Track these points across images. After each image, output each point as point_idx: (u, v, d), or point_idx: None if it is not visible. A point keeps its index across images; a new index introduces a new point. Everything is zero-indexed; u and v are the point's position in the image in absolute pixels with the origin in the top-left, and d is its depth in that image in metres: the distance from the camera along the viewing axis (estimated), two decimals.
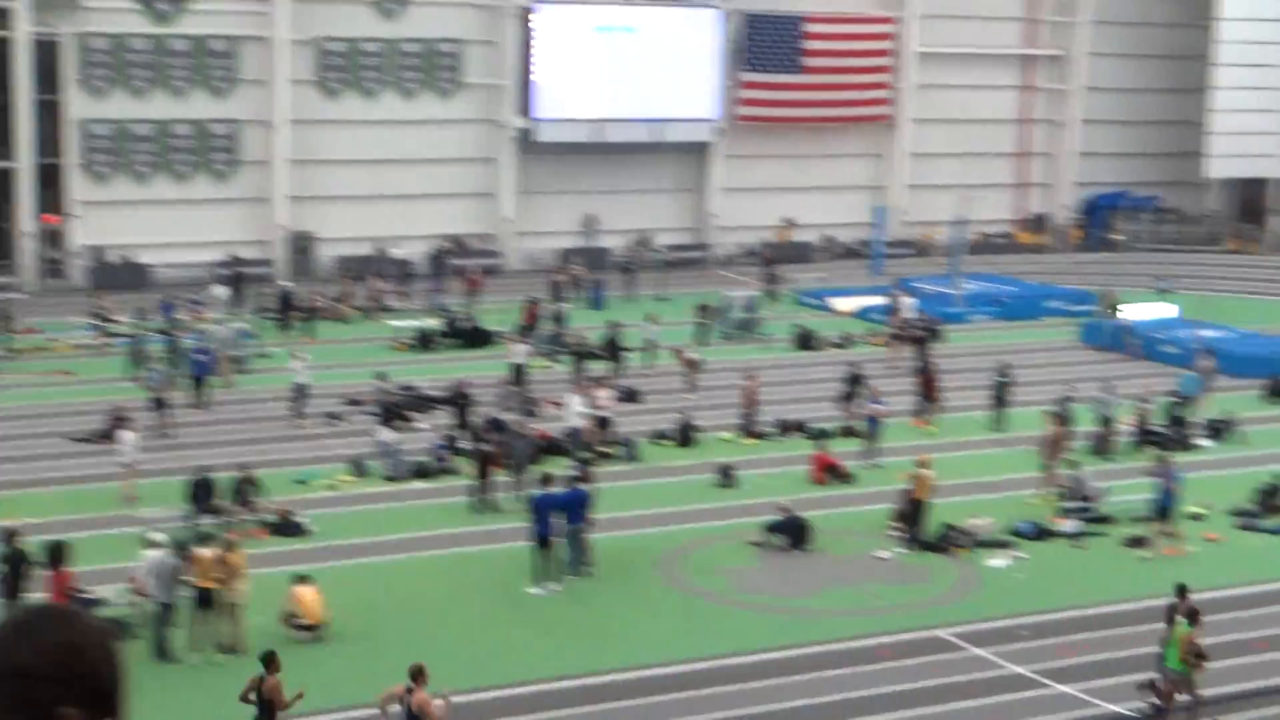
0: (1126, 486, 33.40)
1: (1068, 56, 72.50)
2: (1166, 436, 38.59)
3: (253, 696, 20.04)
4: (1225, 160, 71.53)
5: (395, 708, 19.62)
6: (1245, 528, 32.39)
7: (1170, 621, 22.94)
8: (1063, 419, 36.35)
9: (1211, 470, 36.60)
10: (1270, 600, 28.01)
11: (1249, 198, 75.78)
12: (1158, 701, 22.26)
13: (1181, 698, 22.44)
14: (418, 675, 19.59)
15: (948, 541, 30.57)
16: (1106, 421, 37.83)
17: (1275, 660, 24.84)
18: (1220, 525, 32.42)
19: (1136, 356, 48.18)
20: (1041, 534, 31.37)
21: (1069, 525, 31.80)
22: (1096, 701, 23.16)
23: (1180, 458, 37.22)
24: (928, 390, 40.25)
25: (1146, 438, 38.16)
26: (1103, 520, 32.18)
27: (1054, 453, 34.19)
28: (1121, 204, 69.24)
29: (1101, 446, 37.39)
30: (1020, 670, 24.43)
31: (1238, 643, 25.71)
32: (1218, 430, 39.45)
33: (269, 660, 20.27)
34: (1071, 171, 73.43)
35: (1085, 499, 32.66)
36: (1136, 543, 30.69)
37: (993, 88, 72.00)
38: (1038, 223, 73.51)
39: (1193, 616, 22.64)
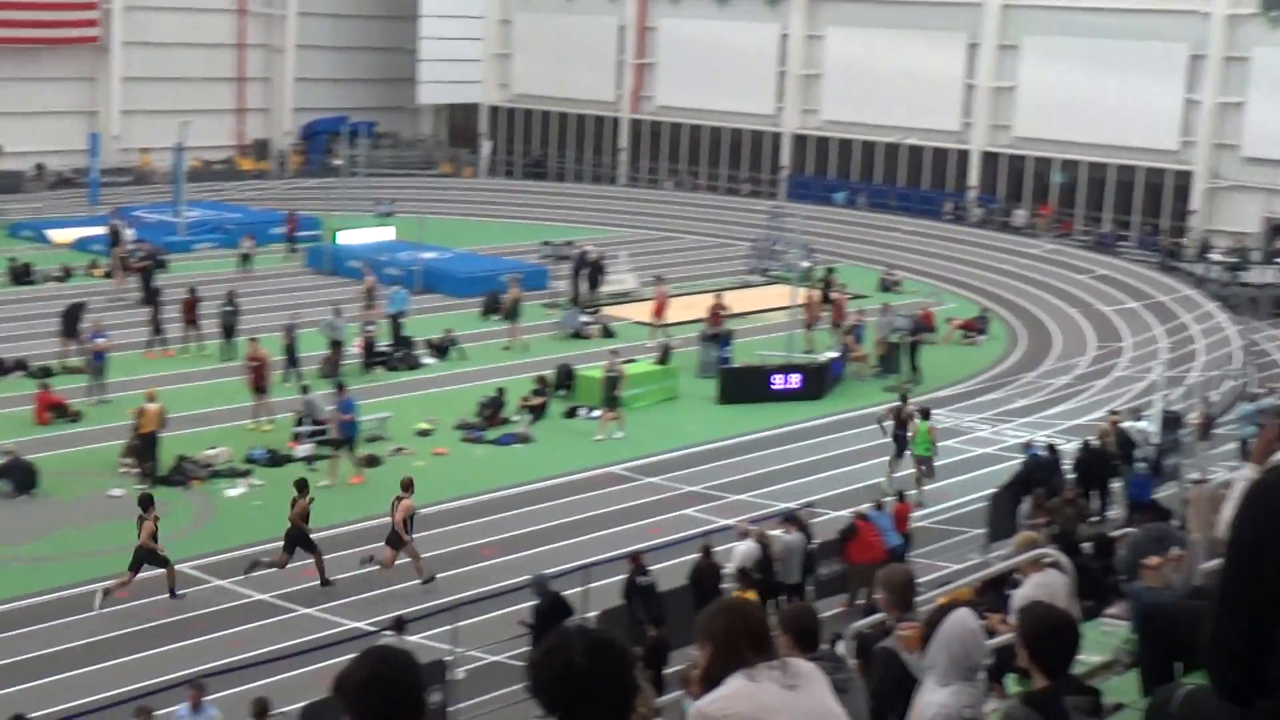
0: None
1: None
2: (393, 356, 39.79)
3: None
4: (435, 86, 74.24)
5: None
6: (470, 440, 34.01)
7: (901, 423, 30.88)
8: (288, 345, 36.73)
9: (437, 387, 38.14)
10: (494, 508, 29.55)
11: (460, 123, 79.07)
12: None
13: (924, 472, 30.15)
14: (408, 486, 25.07)
15: (183, 474, 30.19)
16: (336, 345, 38.50)
17: (502, 564, 26.28)
18: (448, 439, 33.87)
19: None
20: (276, 460, 31.57)
21: (302, 449, 32.17)
22: (339, 620, 23.68)
23: (407, 376, 38.66)
24: (187, 317, 39.69)
25: (374, 359, 39.18)
26: (338, 443, 32.72)
27: (259, 379, 34.00)
28: (341, 129, 70.32)
29: (330, 369, 38.01)
30: (263, 597, 24.57)
31: (468, 550, 27.03)
32: (441, 348, 41.06)
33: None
34: (290, 97, 73.75)
35: (317, 422, 33.12)
36: (370, 462, 31.49)
37: (206, 11, 71.01)
38: (259, 148, 73.43)
39: (925, 413, 30.72)
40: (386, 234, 54.79)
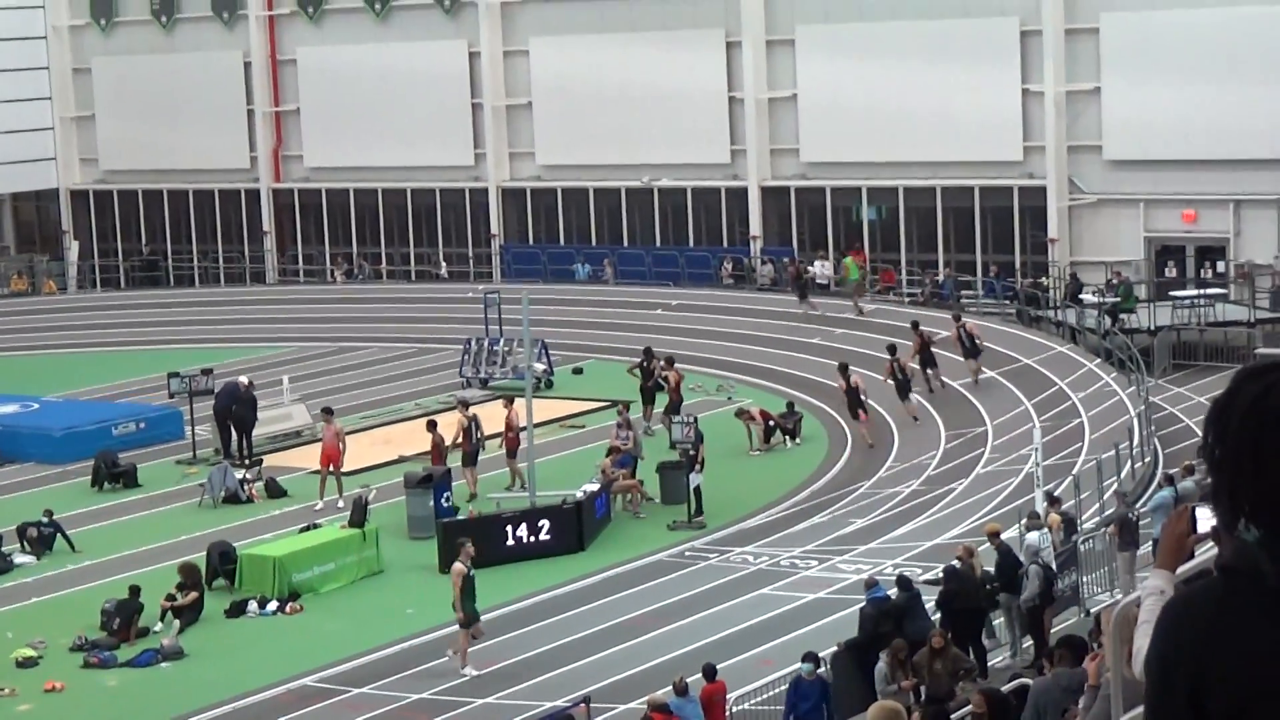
0: None
1: None
2: None
3: None
4: None
5: None
6: (95, 664, 33.42)
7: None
8: None
9: (39, 595, 37.50)
10: None
11: (32, 219, 77.99)
12: None
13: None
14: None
15: None
16: None
17: None
18: (62, 667, 33.22)
19: None
20: None
21: None
22: None
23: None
24: None
25: None
26: None
27: None
28: None
29: None
30: None
31: None
32: (40, 539, 40.31)
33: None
34: None
35: None
36: None
37: None
38: None
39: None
40: None
